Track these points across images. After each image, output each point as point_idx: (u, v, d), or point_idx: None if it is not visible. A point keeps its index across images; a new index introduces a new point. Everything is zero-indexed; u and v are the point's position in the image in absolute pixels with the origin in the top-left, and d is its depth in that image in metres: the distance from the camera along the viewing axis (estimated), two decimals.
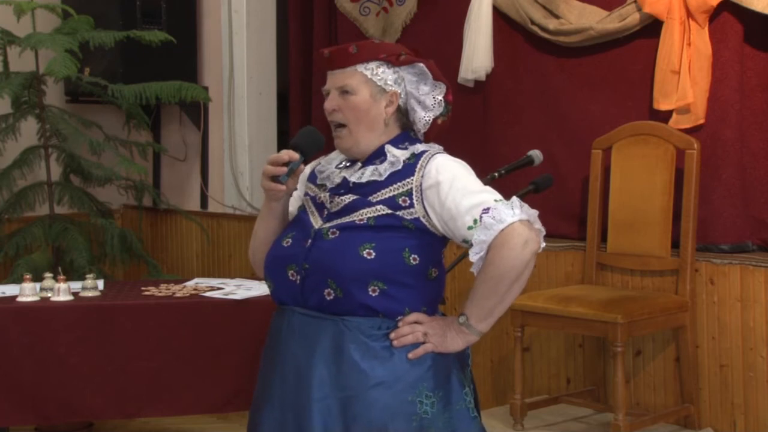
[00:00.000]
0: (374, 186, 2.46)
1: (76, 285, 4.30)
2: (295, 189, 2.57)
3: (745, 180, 4.26)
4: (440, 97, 2.54)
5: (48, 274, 4.29)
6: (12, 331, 4.02)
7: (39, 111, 5.24)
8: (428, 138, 2.57)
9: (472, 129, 5.01)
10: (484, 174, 4.04)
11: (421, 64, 2.52)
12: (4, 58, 5.19)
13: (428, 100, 2.54)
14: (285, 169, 2.44)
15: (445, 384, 2.45)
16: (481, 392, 4.82)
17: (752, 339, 4.09)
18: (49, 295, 4.16)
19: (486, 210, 2.36)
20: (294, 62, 5.82)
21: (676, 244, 4.24)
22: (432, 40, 5.10)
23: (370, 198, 2.45)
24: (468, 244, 2.39)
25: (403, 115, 2.55)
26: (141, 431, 4.92)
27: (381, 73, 2.49)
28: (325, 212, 2.49)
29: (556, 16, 4.67)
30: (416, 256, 2.41)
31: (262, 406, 2.51)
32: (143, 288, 4.39)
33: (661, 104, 4.34)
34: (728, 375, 4.17)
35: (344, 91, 2.49)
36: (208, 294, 4.26)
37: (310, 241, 2.44)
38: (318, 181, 2.57)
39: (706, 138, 4.24)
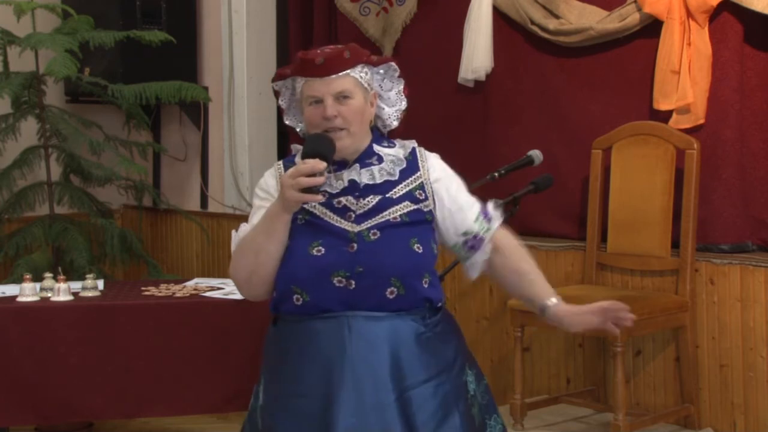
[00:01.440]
0: (390, 184, 2.52)
1: (76, 285, 4.29)
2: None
3: (745, 180, 4.26)
4: (400, 90, 2.64)
5: (48, 274, 4.28)
6: (12, 331, 4.02)
7: (39, 111, 5.24)
8: (395, 134, 2.65)
9: (472, 129, 5.01)
10: (484, 174, 4.07)
11: (392, 63, 2.62)
12: (4, 58, 5.19)
13: (392, 96, 2.63)
14: (324, 179, 2.41)
15: (475, 361, 2.62)
16: None
17: (752, 339, 4.09)
18: (49, 295, 4.16)
19: (482, 206, 2.61)
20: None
21: (676, 244, 4.24)
22: (432, 40, 5.11)
23: (390, 195, 2.51)
24: (466, 235, 2.56)
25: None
26: (141, 431, 4.91)
27: (366, 76, 2.56)
28: (352, 215, 2.49)
29: (556, 16, 4.67)
30: (434, 245, 2.54)
31: (335, 418, 2.38)
32: (143, 288, 4.39)
33: (661, 104, 4.34)
34: (728, 375, 4.17)
35: (343, 96, 2.50)
36: (208, 294, 4.26)
37: (355, 245, 2.44)
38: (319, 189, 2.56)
39: (706, 138, 4.25)
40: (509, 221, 4.07)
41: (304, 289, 2.46)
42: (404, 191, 2.52)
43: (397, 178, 2.53)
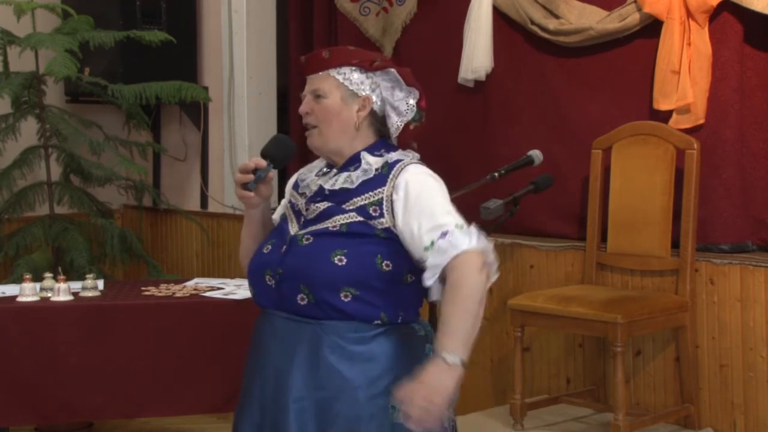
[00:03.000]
0: (346, 194, 2.50)
1: (76, 285, 4.30)
2: (269, 196, 2.60)
3: (745, 180, 4.26)
4: (413, 102, 2.58)
5: (48, 274, 4.29)
6: (12, 331, 4.03)
7: (39, 111, 5.24)
8: (402, 143, 2.60)
9: (472, 129, 5.01)
10: (484, 174, 4.07)
11: (393, 70, 2.57)
12: (4, 58, 5.19)
13: (402, 106, 2.59)
14: (251, 177, 2.50)
15: None
16: (481, 392, 4.84)
17: (752, 339, 4.09)
18: (49, 295, 4.16)
19: (444, 234, 2.37)
20: (294, 62, 5.82)
21: (676, 244, 4.23)
22: (432, 40, 5.11)
23: (344, 205, 2.49)
24: (424, 264, 2.40)
25: (379, 121, 2.59)
26: (141, 431, 4.92)
27: (354, 78, 2.54)
28: (302, 219, 2.54)
29: (556, 16, 4.67)
30: (389, 262, 2.44)
31: (243, 408, 2.56)
32: (143, 288, 4.39)
33: (661, 104, 4.34)
34: (728, 375, 4.17)
35: (317, 95, 2.54)
36: (208, 294, 4.27)
37: (285, 247, 2.49)
38: (299, 190, 2.62)
39: (706, 138, 4.24)
40: (509, 221, 4.11)
41: (251, 282, 2.59)
42: (358, 204, 2.47)
43: (354, 187, 2.49)
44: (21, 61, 5.22)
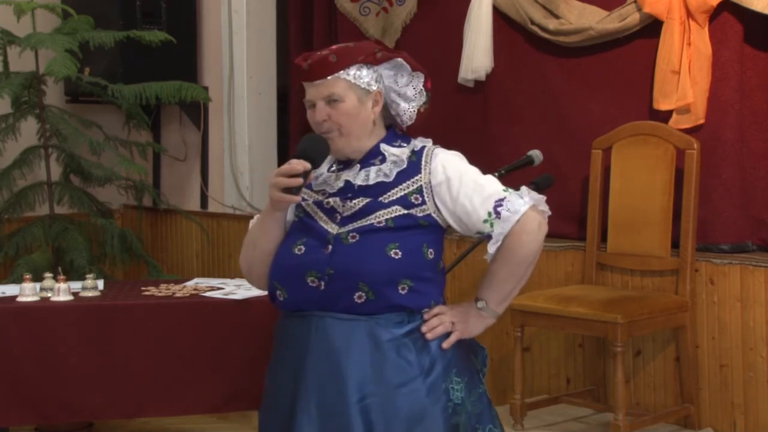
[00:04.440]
0: (383, 187, 2.49)
1: (76, 285, 4.29)
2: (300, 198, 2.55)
3: (745, 180, 4.26)
4: (420, 86, 2.59)
5: (48, 274, 4.28)
6: (12, 331, 4.02)
7: (39, 111, 5.24)
8: (412, 129, 2.61)
9: (472, 129, 5.01)
10: (483, 174, 4.05)
11: (399, 59, 2.56)
12: (4, 58, 5.19)
13: (409, 92, 2.58)
14: (301, 181, 2.43)
15: (468, 369, 2.54)
16: None
17: (752, 339, 4.09)
18: (49, 295, 4.16)
19: (499, 202, 2.47)
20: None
21: (676, 244, 4.24)
22: (432, 40, 5.11)
23: (382, 199, 2.47)
24: (483, 235, 2.49)
25: (385, 110, 2.58)
26: (141, 431, 4.91)
27: (363, 76, 2.51)
28: (338, 217, 2.49)
29: (556, 16, 4.67)
30: (432, 250, 2.48)
31: (296, 418, 2.44)
32: (143, 288, 4.39)
33: (661, 104, 4.35)
34: (728, 375, 4.17)
35: (332, 100, 2.49)
36: (208, 294, 4.26)
37: (330, 247, 2.44)
38: (315, 187, 2.57)
39: (706, 138, 4.25)
40: None
41: (283, 285, 2.50)
42: (398, 195, 2.48)
43: (392, 180, 2.49)
44: (21, 61, 5.22)
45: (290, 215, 2.59)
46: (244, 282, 4.56)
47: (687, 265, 4.18)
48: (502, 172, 4.08)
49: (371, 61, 2.52)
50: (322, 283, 2.43)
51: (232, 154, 5.96)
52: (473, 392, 2.52)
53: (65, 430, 4.94)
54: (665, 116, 4.34)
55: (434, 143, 2.59)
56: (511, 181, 4.13)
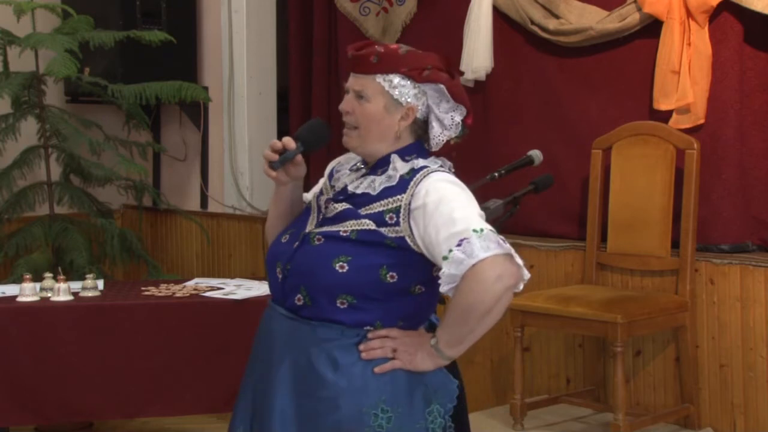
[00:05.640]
0: (366, 198, 2.45)
1: (76, 285, 4.30)
2: (300, 177, 2.54)
3: (745, 180, 4.26)
4: (459, 119, 2.52)
5: (48, 274, 4.29)
6: (12, 331, 4.03)
7: (39, 111, 5.24)
8: (438, 154, 2.54)
9: (472, 129, 4.99)
10: (483, 174, 4.05)
11: (441, 85, 2.48)
12: (4, 58, 5.19)
13: (447, 120, 2.51)
14: (276, 156, 2.44)
15: (407, 400, 2.40)
16: (481, 392, 4.84)
17: (752, 339, 4.09)
18: (49, 295, 4.16)
19: (460, 243, 2.28)
20: (294, 62, 5.82)
21: (676, 244, 4.24)
22: (432, 40, 5.10)
23: (360, 210, 2.43)
24: (439, 268, 2.33)
25: (420, 127, 2.51)
26: (141, 431, 4.92)
27: (400, 87, 2.45)
28: (321, 216, 2.50)
29: (556, 16, 4.67)
30: (394, 274, 2.38)
31: (242, 391, 2.57)
32: (143, 288, 4.39)
33: (661, 104, 4.35)
34: (728, 375, 4.17)
35: (360, 96, 2.47)
36: (208, 294, 4.27)
37: (297, 243, 2.46)
38: (332, 182, 2.57)
39: (706, 138, 4.25)
40: (509, 221, 4.10)
41: (266, 270, 2.56)
42: (376, 210, 2.41)
43: (376, 194, 2.43)
44: (21, 61, 5.22)
45: (310, 195, 2.61)
46: (244, 282, 4.57)
47: (687, 265, 4.18)
48: (502, 172, 4.07)
49: (414, 76, 2.46)
50: (281, 277, 2.46)
51: (232, 154, 5.96)
52: (407, 427, 2.38)
53: (65, 430, 4.95)
54: (665, 116, 4.34)
55: (450, 168, 2.49)
56: (511, 180, 4.13)
